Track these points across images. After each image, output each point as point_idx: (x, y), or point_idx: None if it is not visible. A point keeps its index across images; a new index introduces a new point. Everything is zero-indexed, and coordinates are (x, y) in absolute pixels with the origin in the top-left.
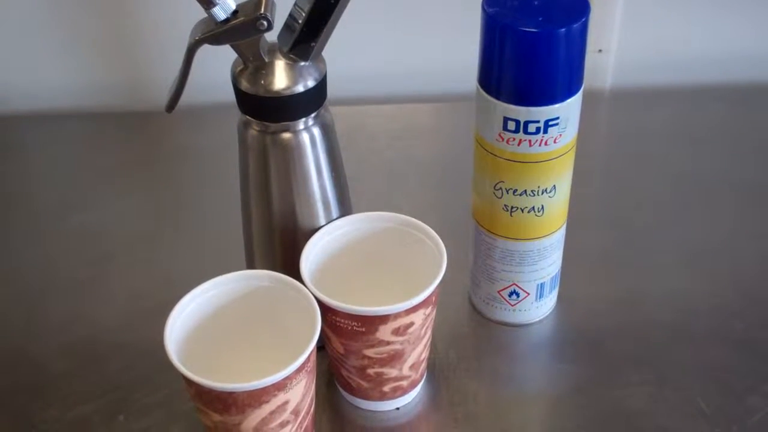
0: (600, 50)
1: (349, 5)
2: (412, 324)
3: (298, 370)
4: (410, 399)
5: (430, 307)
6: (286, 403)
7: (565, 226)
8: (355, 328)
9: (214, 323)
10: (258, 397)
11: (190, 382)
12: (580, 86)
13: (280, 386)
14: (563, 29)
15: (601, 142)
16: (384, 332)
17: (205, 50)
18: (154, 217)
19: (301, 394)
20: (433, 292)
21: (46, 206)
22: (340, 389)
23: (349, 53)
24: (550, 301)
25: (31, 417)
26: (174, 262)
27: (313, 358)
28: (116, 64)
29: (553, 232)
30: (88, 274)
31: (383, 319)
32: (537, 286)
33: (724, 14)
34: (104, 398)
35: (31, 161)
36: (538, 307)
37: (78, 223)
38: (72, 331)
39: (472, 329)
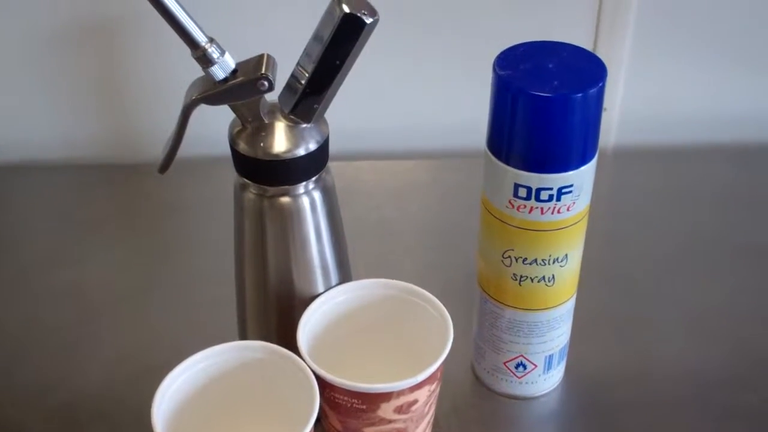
0: (604, 108)
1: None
2: (416, 401)
3: None
4: None
5: (435, 383)
6: None
7: (575, 295)
8: (355, 405)
9: (205, 398)
10: None
11: None
12: (595, 152)
13: None
14: (579, 94)
15: (604, 201)
16: (386, 410)
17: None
18: (142, 276)
19: None
20: (438, 368)
21: (28, 261)
22: None
23: (345, 107)
24: (558, 373)
25: None
26: (161, 324)
27: None
28: (105, 115)
29: (564, 302)
30: (71, 334)
31: (386, 396)
32: (545, 358)
33: (730, 73)
34: None
35: (13, 213)
36: (545, 380)
37: (61, 279)
38: (53, 395)
39: (475, 402)
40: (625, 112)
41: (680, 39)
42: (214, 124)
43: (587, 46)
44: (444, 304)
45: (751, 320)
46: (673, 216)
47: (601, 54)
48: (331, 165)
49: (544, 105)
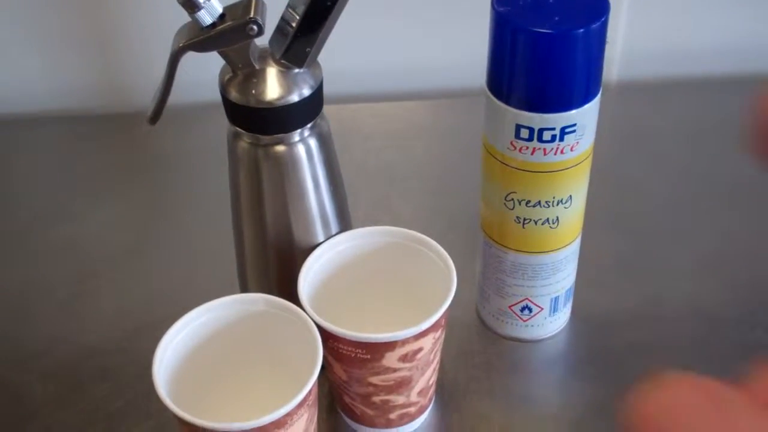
0: (606, 41)
1: None
2: (420, 349)
3: (299, 406)
4: (418, 425)
5: (439, 331)
6: None
7: (580, 236)
8: (359, 355)
9: (206, 353)
10: None
11: (181, 420)
12: (599, 90)
13: (280, 424)
14: (581, 30)
15: (608, 138)
16: (390, 359)
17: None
18: (139, 229)
19: (302, 429)
20: (442, 315)
21: (22, 218)
22: (343, 415)
23: (342, 48)
24: (564, 315)
25: None
26: (161, 278)
27: (315, 390)
28: (96, 64)
29: (569, 244)
30: (69, 291)
31: (390, 345)
32: (551, 300)
33: (735, 4)
34: (90, 430)
35: (6, 168)
36: (551, 322)
37: (58, 236)
38: (53, 354)
39: (481, 346)
40: (628, 45)
41: None
42: (206, 69)
43: None
44: (447, 250)
45: (764, 258)
46: (680, 151)
47: None
48: (328, 109)
49: (544, 42)
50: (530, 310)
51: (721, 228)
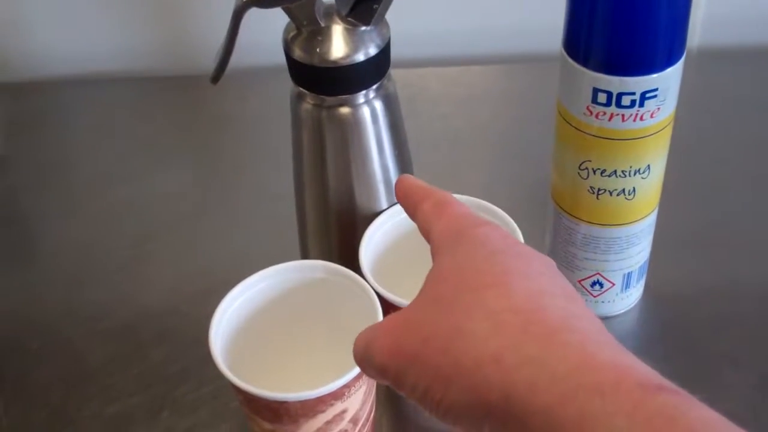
0: None
1: None
2: None
3: (357, 377)
4: None
5: None
6: (344, 412)
7: (657, 209)
8: None
9: (264, 320)
10: (312, 407)
11: (238, 389)
12: (683, 53)
13: (338, 395)
14: None
15: (690, 107)
16: None
17: (255, 9)
18: (201, 191)
19: (360, 402)
20: None
21: (84, 179)
22: None
23: (409, 10)
24: (636, 292)
25: (68, 411)
26: (223, 241)
27: None
28: (159, 25)
29: (645, 217)
30: (130, 254)
31: None
32: (623, 276)
33: None
34: (147, 392)
35: (69, 129)
36: (623, 298)
37: (119, 197)
38: (112, 317)
39: None
40: (710, 10)
41: None
42: (270, 30)
43: None
44: (515, 219)
45: None
46: (763, 123)
47: None
48: (394, 72)
49: (626, 0)
50: (601, 285)
51: None
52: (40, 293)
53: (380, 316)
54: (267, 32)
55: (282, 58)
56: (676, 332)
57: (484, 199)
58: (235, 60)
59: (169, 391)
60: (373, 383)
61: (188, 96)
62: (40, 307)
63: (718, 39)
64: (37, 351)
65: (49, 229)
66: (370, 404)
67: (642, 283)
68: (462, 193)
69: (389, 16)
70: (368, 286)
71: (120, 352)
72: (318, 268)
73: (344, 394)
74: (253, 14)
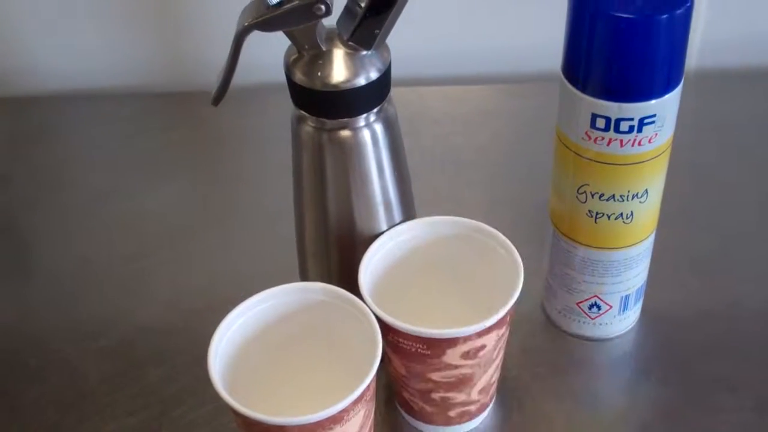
0: None
1: None
2: (483, 347)
3: (357, 401)
4: (478, 424)
5: (504, 328)
6: None
7: (654, 233)
8: (419, 350)
9: (263, 341)
10: (311, 431)
11: (236, 412)
12: (680, 79)
13: (337, 419)
14: (665, 15)
15: (688, 130)
16: (452, 356)
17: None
18: (199, 210)
19: (359, 425)
20: (507, 312)
21: (83, 195)
22: (401, 411)
23: (411, 29)
24: (633, 314)
25: (65, 430)
26: (221, 259)
27: (373, 385)
28: (160, 42)
29: (642, 241)
30: (128, 270)
31: (452, 342)
32: (621, 299)
33: None
34: (144, 412)
35: (69, 144)
36: (620, 321)
37: (118, 212)
38: (110, 334)
39: (546, 343)
40: (707, 33)
41: None
42: (272, 49)
43: None
44: (514, 241)
45: None
46: (761, 145)
47: None
48: (396, 92)
49: (626, 27)
50: (599, 307)
51: None
52: (38, 309)
53: (379, 340)
54: (268, 51)
55: (282, 77)
56: (673, 355)
57: (483, 220)
58: (235, 79)
59: (166, 411)
60: (372, 406)
61: (188, 112)
62: (37, 323)
63: (715, 62)
64: (34, 369)
65: (47, 244)
66: (368, 428)
67: (639, 305)
68: (461, 215)
69: (391, 38)
70: (367, 309)
71: (117, 371)
72: (318, 290)
73: (343, 418)
74: (256, 34)
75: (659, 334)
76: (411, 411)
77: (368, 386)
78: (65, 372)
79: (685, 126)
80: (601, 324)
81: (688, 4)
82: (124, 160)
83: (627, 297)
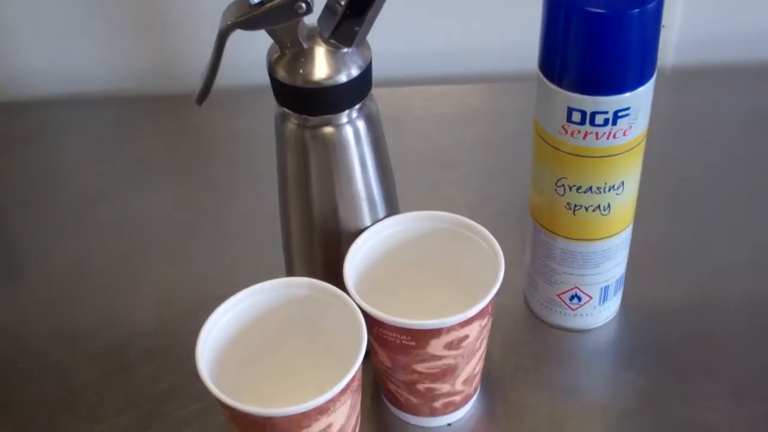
0: (663, 25)
1: None
2: (466, 337)
3: (342, 392)
4: (463, 414)
5: (486, 318)
6: (329, 426)
7: (632, 224)
8: (403, 341)
9: (250, 336)
10: (298, 422)
11: (224, 405)
12: (653, 73)
13: (323, 410)
14: (636, 10)
15: (665, 125)
16: (435, 347)
17: (240, 31)
18: (188, 210)
19: (345, 416)
20: (489, 302)
21: (72, 197)
22: (387, 403)
23: (393, 29)
24: (614, 305)
25: (56, 430)
26: (209, 259)
27: (359, 376)
28: (145, 45)
29: (620, 232)
30: (117, 273)
31: (435, 332)
32: (601, 290)
33: None
34: (134, 411)
35: (57, 148)
36: (601, 312)
37: (106, 216)
38: (100, 335)
39: (528, 335)
40: (684, 30)
41: None
42: (255, 50)
43: None
44: (497, 236)
45: None
46: (737, 140)
47: None
48: (379, 92)
49: (598, 22)
50: (579, 299)
51: None
52: (28, 311)
53: (364, 331)
54: (252, 52)
55: (266, 78)
56: (654, 344)
57: (466, 215)
58: (220, 79)
59: (156, 409)
60: (358, 397)
61: (175, 115)
62: (27, 325)
63: (691, 59)
64: (24, 369)
65: (38, 247)
66: (355, 418)
67: (619, 296)
68: (444, 210)
69: (371, 36)
70: (352, 301)
71: (107, 371)
72: (303, 284)
73: (329, 409)
74: (238, 35)
75: (639, 324)
76: (397, 403)
77: (354, 377)
78: (55, 372)
79: (662, 121)
80: (581, 315)
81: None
82: (114, 163)
83: (606, 288)
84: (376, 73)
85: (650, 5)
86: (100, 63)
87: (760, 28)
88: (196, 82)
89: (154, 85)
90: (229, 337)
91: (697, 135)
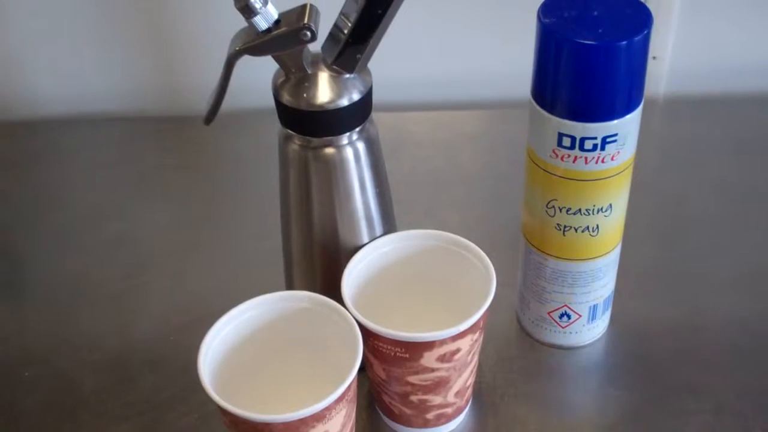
0: (654, 57)
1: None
2: (458, 350)
3: (338, 400)
4: (455, 426)
5: (477, 333)
6: None
7: (620, 245)
8: (398, 354)
9: (251, 347)
10: (296, 428)
11: (224, 411)
12: (640, 101)
13: (319, 417)
14: (624, 42)
15: (655, 152)
16: (429, 359)
17: (247, 56)
18: (191, 227)
19: (341, 424)
20: (481, 317)
21: (79, 214)
22: (382, 414)
23: (395, 57)
24: (602, 323)
25: None
26: (211, 275)
27: (354, 386)
28: (153, 67)
29: (608, 253)
30: (122, 286)
31: (428, 345)
32: (590, 308)
33: None
34: (137, 419)
35: (65, 167)
36: (589, 329)
37: (112, 232)
38: (104, 346)
39: (520, 351)
40: (676, 61)
41: None
42: (260, 75)
43: None
44: (491, 255)
45: None
46: (724, 167)
47: (651, 1)
48: (380, 116)
49: (588, 53)
50: (569, 317)
51: (760, 242)
52: (34, 324)
53: (360, 343)
54: (257, 76)
55: (270, 101)
56: (640, 362)
57: (460, 235)
58: (225, 102)
59: (158, 418)
60: (353, 406)
61: (179, 135)
62: (33, 336)
63: (681, 89)
64: (29, 379)
65: (44, 262)
66: (350, 427)
67: (608, 315)
68: (440, 230)
69: (373, 63)
70: (349, 315)
71: (111, 381)
72: (302, 298)
73: (326, 416)
74: (245, 60)
75: (626, 342)
76: (391, 414)
77: (349, 386)
78: (61, 382)
79: (653, 148)
80: (571, 333)
81: (646, 32)
82: (120, 182)
83: (595, 306)
84: (378, 98)
85: (637, 38)
86: (107, 84)
87: (748, 60)
88: (200, 104)
89: (159, 106)
90: (230, 346)
91: (686, 161)
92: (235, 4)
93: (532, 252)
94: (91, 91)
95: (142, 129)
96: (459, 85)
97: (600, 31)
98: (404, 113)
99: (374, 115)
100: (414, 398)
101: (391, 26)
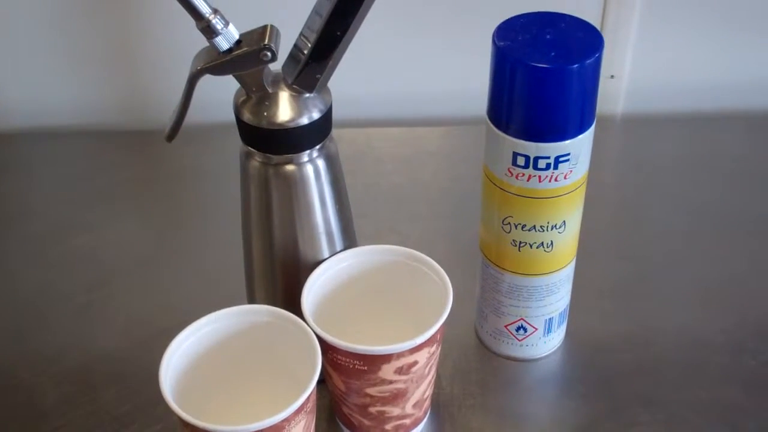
0: (612, 76)
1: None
2: (415, 363)
3: (297, 411)
4: None
5: (434, 345)
6: None
7: (574, 261)
8: (356, 366)
9: (212, 360)
10: None
11: (185, 423)
12: (592, 122)
13: (279, 428)
14: (576, 65)
15: (612, 169)
16: (387, 371)
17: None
18: (154, 241)
19: None
20: (437, 330)
21: (42, 227)
22: (342, 426)
23: (356, 74)
24: (558, 336)
25: None
26: (173, 288)
27: (313, 397)
28: (117, 82)
29: (563, 268)
30: (84, 299)
31: (386, 358)
32: (545, 321)
33: (739, 40)
34: (99, 431)
35: (28, 180)
36: (545, 342)
37: (75, 245)
38: (66, 358)
39: (477, 363)
40: (633, 80)
41: (689, 7)
42: (224, 90)
43: (596, 13)
44: (450, 271)
45: (754, 288)
46: (680, 184)
47: (609, 22)
48: (343, 132)
49: (541, 76)
50: (525, 330)
51: (713, 257)
52: None
53: (319, 356)
54: (221, 91)
55: (232, 116)
56: (594, 374)
57: (420, 250)
58: (189, 116)
59: (120, 430)
60: (313, 417)
61: (143, 150)
62: None
63: (639, 108)
64: None
65: (7, 273)
66: None
67: (563, 328)
68: (401, 245)
69: (338, 82)
70: (309, 328)
71: (72, 393)
72: (263, 312)
73: (285, 428)
74: (208, 75)
75: (582, 355)
76: (350, 425)
77: (308, 398)
78: (23, 393)
79: (609, 165)
80: (527, 345)
81: (597, 55)
82: (83, 195)
83: (551, 320)
84: (339, 114)
85: (589, 61)
86: (72, 97)
87: (703, 79)
88: (165, 119)
89: (124, 120)
90: (191, 360)
91: (643, 178)
92: (197, 25)
93: (489, 267)
94: (55, 104)
95: (106, 143)
96: (420, 102)
97: (553, 54)
98: (366, 129)
99: (336, 131)
100: (373, 410)
101: (352, 44)
